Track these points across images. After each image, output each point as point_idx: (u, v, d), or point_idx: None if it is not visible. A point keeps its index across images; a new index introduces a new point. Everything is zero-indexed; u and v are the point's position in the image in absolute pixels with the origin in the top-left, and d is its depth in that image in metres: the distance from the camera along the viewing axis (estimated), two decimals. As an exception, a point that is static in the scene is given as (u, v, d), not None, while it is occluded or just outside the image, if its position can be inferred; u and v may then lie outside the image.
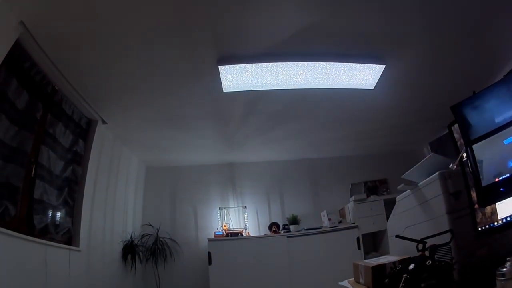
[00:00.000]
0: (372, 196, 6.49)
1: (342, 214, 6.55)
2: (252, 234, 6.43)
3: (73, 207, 4.05)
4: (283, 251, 5.82)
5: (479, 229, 1.91)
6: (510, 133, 1.53)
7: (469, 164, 1.77)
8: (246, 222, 6.64)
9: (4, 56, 2.76)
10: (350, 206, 6.31)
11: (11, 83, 2.98)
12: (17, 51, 3.03)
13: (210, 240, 5.83)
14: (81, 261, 3.94)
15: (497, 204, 1.78)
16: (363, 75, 4.23)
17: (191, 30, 3.26)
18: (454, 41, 3.79)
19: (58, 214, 3.76)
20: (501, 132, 1.56)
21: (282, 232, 6.27)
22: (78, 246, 3.93)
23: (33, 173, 3.30)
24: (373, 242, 6.39)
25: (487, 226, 1.85)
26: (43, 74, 3.46)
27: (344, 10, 3.23)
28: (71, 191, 4.02)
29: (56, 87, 3.72)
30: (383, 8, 3.25)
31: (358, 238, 5.89)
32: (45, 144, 3.54)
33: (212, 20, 3.18)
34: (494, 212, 1.81)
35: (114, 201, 5.27)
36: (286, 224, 6.42)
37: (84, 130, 4.44)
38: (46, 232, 3.43)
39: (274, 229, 6.35)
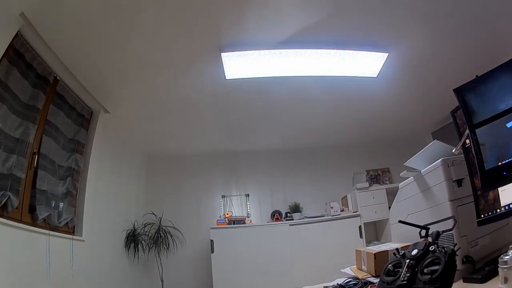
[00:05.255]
0: (374, 185, 6.52)
1: (344, 202, 6.56)
2: (254, 222, 6.46)
3: (76, 197, 4.06)
4: (285, 239, 5.85)
5: (482, 216, 1.91)
6: (512, 117, 1.53)
7: (472, 148, 1.77)
8: (248, 210, 6.67)
9: (6, 47, 2.77)
10: (352, 195, 6.33)
11: (13, 74, 2.98)
12: (19, 42, 3.03)
13: (212, 228, 5.86)
14: (84, 251, 3.95)
15: (500, 191, 1.77)
16: (366, 63, 4.24)
17: (193, 17, 3.26)
18: (458, 27, 3.78)
19: (61, 204, 3.77)
20: (504, 116, 1.56)
21: (284, 220, 6.29)
22: (81, 235, 3.95)
23: (35, 163, 3.30)
24: (375, 231, 6.43)
25: (490, 213, 1.85)
26: (45, 64, 3.45)
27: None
28: (74, 181, 4.03)
29: (58, 78, 3.72)
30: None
31: (360, 227, 5.91)
32: (48, 134, 3.54)
33: (215, 7, 3.17)
34: (497, 199, 1.80)
35: (117, 190, 5.30)
36: (289, 212, 6.45)
37: (86, 120, 4.44)
38: (49, 222, 3.43)
39: (276, 217, 6.38)
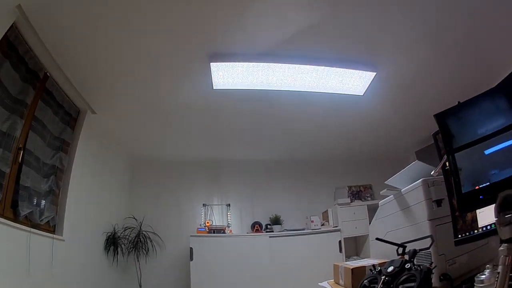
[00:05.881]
0: (356, 201, 6.58)
1: (325, 217, 6.60)
2: (234, 232, 6.45)
3: (58, 196, 4.03)
4: (265, 250, 5.87)
5: (459, 236, 1.96)
6: (491, 144, 1.58)
7: (451, 171, 1.82)
8: (229, 220, 6.66)
9: (0, 38, 2.75)
10: (333, 210, 6.38)
11: (4, 67, 2.97)
12: (13, 34, 3.03)
13: (192, 236, 5.85)
14: (64, 250, 3.91)
15: (478, 212, 1.83)
16: (353, 81, 4.31)
17: (185, 24, 3.30)
18: (447, 52, 3.88)
19: (43, 202, 3.73)
20: (483, 143, 1.61)
21: (264, 231, 6.32)
22: (61, 235, 3.91)
23: (20, 158, 3.26)
24: (355, 246, 6.48)
25: (467, 234, 1.90)
26: (36, 59, 3.44)
27: (339, 14, 3.30)
28: (57, 179, 3.99)
29: (48, 74, 3.70)
30: (378, 15, 3.32)
31: (340, 242, 5.95)
32: (34, 130, 3.51)
33: (206, 17, 3.22)
34: (474, 220, 1.85)
35: (99, 192, 5.25)
36: (269, 224, 6.47)
37: (73, 119, 4.42)
38: (31, 219, 3.39)
39: (256, 228, 6.40)
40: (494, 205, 1.39)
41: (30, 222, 3.36)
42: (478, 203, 1.70)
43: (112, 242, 5.49)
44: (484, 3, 3.17)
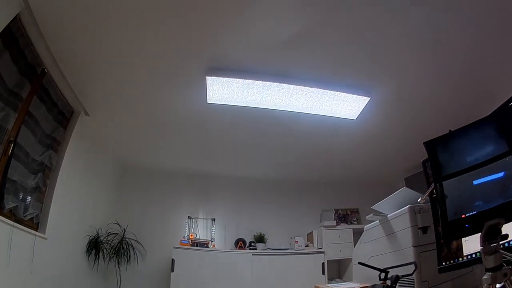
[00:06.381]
0: (342, 224, 6.60)
1: (309, 238, 6.59)
2: (217, 247, 6.42)
3: (44, 193, 3.98)
4: (247, 267, 5.84)
5: (443, 263, 1.97)
6: (479, 175, 1.59)
7: (437, 199, 1.83)
8: (213, 235, 6.64)
9: (2, 29, 2.74)
10: (318, 232, 6.37)
11: (3, 57, 2.96)
12: (15, 26, 3.02)
13: (175, 247, 5.81)
14: (46, 249, 3.85)
15: (463, 240, 1.83)
16: (346, 105, 4.33)
17: (184, 34, 3.32)
18: (443, 81, 3.95)
19: (29, 198, 3.68)
20: (471, 172, 1.62)
21: (247, 249, 6.30)
22: (44, 233, 3.86)
23: (10, 151, 3.22)
24: (338, 269, 6.46)
25: (452, 262, 1.90)
26: (36, 54, 3.42)
27: (335, 38, 3.35)
28: (45, 177, 3.95)
29: (46, 70, 3.68)
30: (374, 41, 3.36)
31: (323, 264, 5.93)
32: (27, 125, 3.48)
33: (207, 29, 3.24)
34: (460, 248, 1.86)
35: (86, 194, 5.20)
36: (253, 242, 6.44)
37: (66, 119, 4.40)
38: (15, 214, 3.35)
39: (240, 244, 6.37)
40: (479, 234, 1.40)
41: (14, 216, 3.33)
42: (464, 231, 1.70)
43: (94, 246, 5.42)
44: (481, 31, 3.23)
